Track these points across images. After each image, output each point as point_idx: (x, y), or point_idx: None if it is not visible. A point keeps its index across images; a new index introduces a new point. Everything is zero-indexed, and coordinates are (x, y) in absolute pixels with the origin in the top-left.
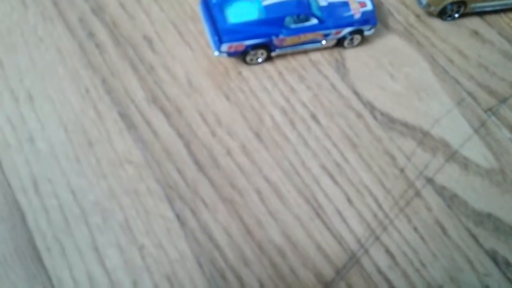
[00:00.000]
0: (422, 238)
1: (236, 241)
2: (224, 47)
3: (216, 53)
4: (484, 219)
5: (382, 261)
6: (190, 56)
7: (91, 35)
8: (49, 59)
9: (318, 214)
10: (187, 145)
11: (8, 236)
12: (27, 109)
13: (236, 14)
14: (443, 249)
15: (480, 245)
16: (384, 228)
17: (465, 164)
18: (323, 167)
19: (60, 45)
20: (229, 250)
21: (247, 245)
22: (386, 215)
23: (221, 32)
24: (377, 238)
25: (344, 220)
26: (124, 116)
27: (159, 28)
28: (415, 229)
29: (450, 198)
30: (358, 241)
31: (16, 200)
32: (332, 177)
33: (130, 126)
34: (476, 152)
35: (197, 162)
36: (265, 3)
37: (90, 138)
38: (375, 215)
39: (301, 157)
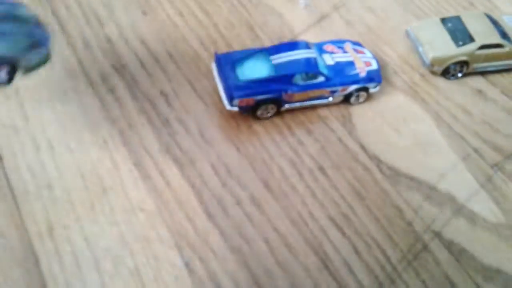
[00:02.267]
0: None
1: None
2: (236, 101)
3: (228, 107)
4: (493, 274)
5: None
6: (204, 110)
7: (111, 90)
8: (71, 112)
9: (326, 265)
10: (198, 195)
11: (22, 279)
12: (47, 158)
13: (247, 72)
14: None
15: None
16: (392, 281)
17: (473, 219)
18: (331, 218)
19: (82, 98)
20: None
21: None
22: (394, 268)
23: (232, 88)
24: None
25: (351, 272)
26: (139, 166)
27: (175, 85)
28: (424, 282)
29: (458, 252)
30: None
31: (32, 245)
32: (339, 228)
33: (145, 175)
34: (483, 206)
35: (207, 212)
36: (275, 61)
37: (105, 186)
38: (383, 268)
39: (309, 208)
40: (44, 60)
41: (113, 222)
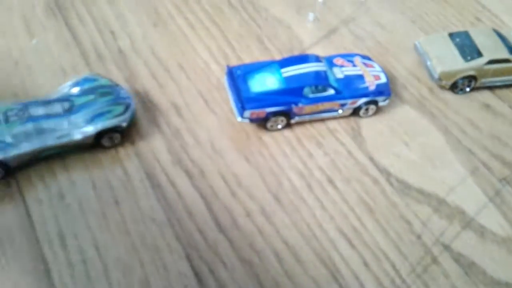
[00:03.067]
0: None
1: None
2: (247, 113)
3: (239, 119)
4: (503, 287)
5: None
6: (214, 121)
7: None
8: None
9: (335, 278)
10: (209, 206)
11: (32, 287)
12: (58, 166)
13: (258, 84)
14: None
15: None
16: None
17: (482, 232)
18: (340, 231)
19: None
20: None
21: None
22: (404, 281)
23: (244, 100)
24: None
25: (361, 284)
26: (150, 176)
27: (187, 96)
28: None
29: (467, 266)
30: None
31: (42, 253)
32: (349, 240)
33: (155, 185)
34: (492, 220)
35: (217, 222)
36: (285, 74)
37: (117, 196)
38: (392, 281)
39: (318, 220)
40: (134, 113)
41: (124, 232)
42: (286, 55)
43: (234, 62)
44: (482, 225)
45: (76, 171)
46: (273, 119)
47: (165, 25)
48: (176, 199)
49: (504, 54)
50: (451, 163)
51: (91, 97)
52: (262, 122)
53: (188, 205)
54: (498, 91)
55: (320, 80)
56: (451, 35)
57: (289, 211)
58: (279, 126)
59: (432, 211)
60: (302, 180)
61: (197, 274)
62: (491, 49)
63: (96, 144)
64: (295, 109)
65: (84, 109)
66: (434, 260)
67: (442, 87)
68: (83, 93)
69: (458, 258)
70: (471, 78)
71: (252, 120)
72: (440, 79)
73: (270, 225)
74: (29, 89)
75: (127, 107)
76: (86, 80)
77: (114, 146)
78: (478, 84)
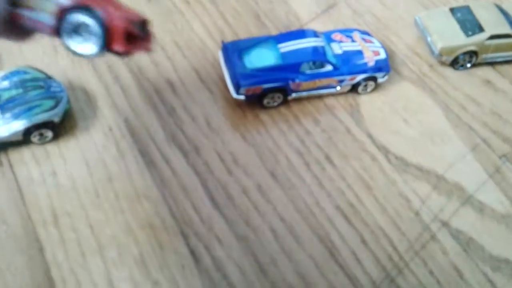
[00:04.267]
0: (438, 282)
1: (250, 280)
2: (242, 90)
3: (235, 95)
4: (502, 264)
5: None
6: (210, 99)
7: (117, 79)
8: (76, 99)
9: (332, 254)
10: (204, 183)
11: (25, 266)
12: (51, 145)
13: (255, 60)
14: None
15: None
16: (400, 271)
17: (481, 209)
18: (338, 208)
19: (87, 87)
20: None
21: (260, 284)
22: (401, 258)
23: (239, 77)
24: (392, 280)
25: (358, 262)
26: (144, 153)
27: (182, 74)
28: (431, 272)
29: (466, 242)
30: (373, 283)
31: (36, 232)
32: (346, 217)
33: (149, 163)
34: (492, 197)
35: (213, 200)
36: (282, 50)
37: (110, 173)
38: (390, 257)
39: (315, 197)
40: (68, 106)
41: (118, 210)
42: (283, 31)
43: (230, 39)
44: (482, 202)
45: (69, 149)
46: (269, 95)
47: (159, 1)
48: (171, 176)
49: (506, 29)
50: (451, 140)
51: (20, 91)
52: (258, 99)
53: (183, 182)
54: (499, 67)
55: (318, 56)
56: (452, 10)
57: (286, 188)
58: (276, 103)
59: (431, 188)
60: (299, 157)
61: (193, 252)
62: (493, 24)
63: (25, 141)
64: (292, 85)
65: (11, 104)
66: (433, 237)
67: (442, 63)
68: (11, 86)
69: (456, 235)
70: (472, 54)
71: (248, 97)
72: (440, 54)
73: (267, 202)
74: None
75: (58, 101)
76: (15, 73)
77: (44, 143)
78: (479, 60)
